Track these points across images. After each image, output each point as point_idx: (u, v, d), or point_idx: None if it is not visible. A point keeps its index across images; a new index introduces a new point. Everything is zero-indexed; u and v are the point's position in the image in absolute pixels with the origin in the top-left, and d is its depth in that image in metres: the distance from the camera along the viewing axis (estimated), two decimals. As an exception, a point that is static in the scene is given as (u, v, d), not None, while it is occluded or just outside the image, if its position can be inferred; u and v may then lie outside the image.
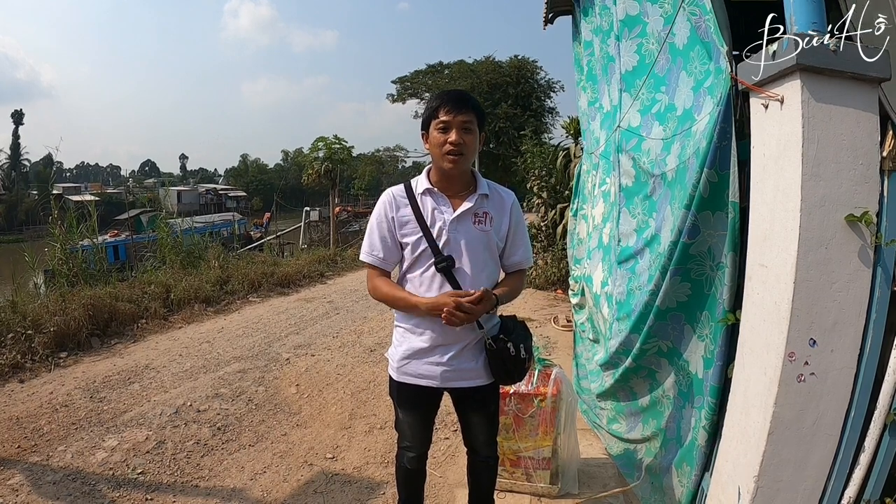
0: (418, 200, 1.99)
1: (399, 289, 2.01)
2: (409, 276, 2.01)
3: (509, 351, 1.98)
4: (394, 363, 2.08)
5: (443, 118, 1.90)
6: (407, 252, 1.99)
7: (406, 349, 2.04)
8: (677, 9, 2.29)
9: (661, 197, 2.53)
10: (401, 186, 2.06)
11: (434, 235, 1.95)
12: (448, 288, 1.93)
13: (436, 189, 2.00)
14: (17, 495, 2.90)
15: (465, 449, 2.29)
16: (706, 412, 2.11)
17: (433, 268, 1.95)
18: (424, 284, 1.96)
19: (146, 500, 2.91)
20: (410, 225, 1.98)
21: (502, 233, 2.04)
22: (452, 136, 1.89)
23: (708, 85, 2.08)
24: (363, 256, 2.04)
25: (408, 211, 1.99)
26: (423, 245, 1.96)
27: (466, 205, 1.96)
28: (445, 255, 1.94)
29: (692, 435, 2.24)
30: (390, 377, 2.12)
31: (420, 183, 2.02)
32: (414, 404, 2.11)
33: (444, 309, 1.83)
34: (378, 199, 2.07)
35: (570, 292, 4.92)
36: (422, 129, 2.01)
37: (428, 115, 1.96)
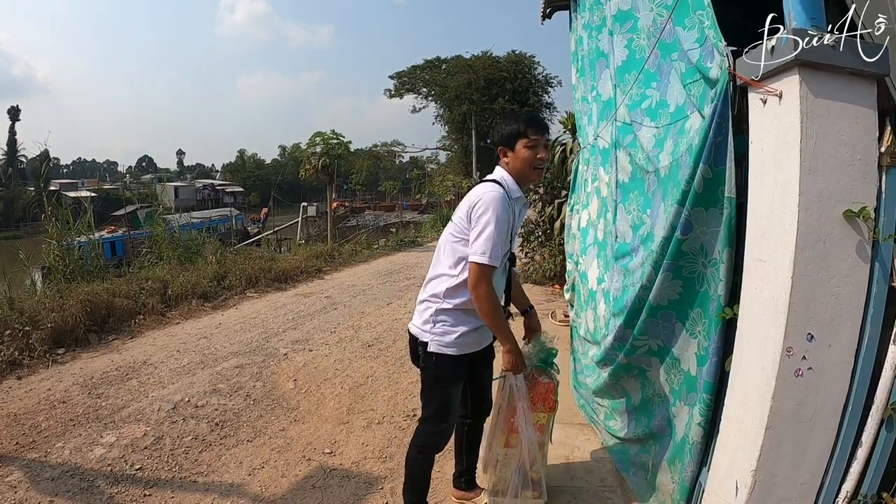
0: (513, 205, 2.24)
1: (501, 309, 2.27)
2: None
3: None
4: (450, 340, 2.22)
5: (533, 136, 2.19)
6: None
7: (466, 327, 2.24)
8: (674, 3, 2.27)
9: (654, 193, 2.53)
10: (504, 191, 2.20)
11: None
12: (503, 281, 2.33)
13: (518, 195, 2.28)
14: (15, 492, 2.90)
15: (465, 431, 2.60)
16: (701, 408, 2.11)
17: (506, 263, 2.28)
18: (495, 277, 2.17)
19: (144, 495, 2.91)
20: (515, 228, 2.31)
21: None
22: (542, 153, 2.24)
23: (703, 81, 2.07)
24: (494, 262, 2.10)
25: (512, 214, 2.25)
26: (510, 245, 2.27)
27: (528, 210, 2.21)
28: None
29: (685, 432, 2.24)
30: (444, 356, 2.23)
31: (512, 190, 2.23)
32: (465, 373, 2.33)
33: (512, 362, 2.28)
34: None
35: (565, 288, 4.93)
36: (500, 144, 2.28)
37: (513, 133, 2.22)
